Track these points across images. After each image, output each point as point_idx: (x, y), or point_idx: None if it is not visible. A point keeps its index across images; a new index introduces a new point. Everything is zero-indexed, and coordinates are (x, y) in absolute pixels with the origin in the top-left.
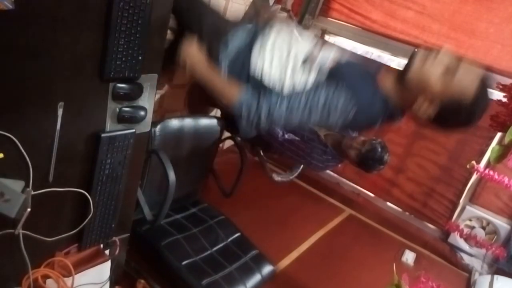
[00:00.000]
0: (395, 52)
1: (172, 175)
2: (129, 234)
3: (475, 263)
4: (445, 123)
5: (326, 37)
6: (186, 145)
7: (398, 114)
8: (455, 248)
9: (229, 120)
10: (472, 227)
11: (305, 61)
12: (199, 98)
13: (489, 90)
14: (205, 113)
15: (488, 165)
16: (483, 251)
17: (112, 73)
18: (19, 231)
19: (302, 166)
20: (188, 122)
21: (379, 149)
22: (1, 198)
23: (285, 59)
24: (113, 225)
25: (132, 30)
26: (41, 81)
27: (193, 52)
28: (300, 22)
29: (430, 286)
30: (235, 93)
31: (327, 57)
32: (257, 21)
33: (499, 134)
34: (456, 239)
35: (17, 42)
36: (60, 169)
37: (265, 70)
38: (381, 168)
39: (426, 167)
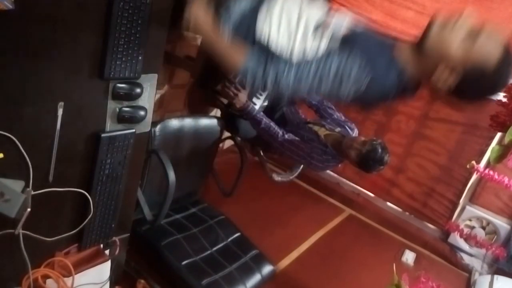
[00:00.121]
0: None
1: (172, 175)
2: (129, 234)
3: (475, 263)
4: (466, 94)
5: None
6: (186, 145)
7: (412, 88)
8: (455, 248)
9: (229, 120)
10: (472, 227)
11: (316, 28)
12: (199, 98)
13: None
14: (205, 113)
15: (488, 165)
16: (483, 251)
17: (112, 73)
18: (19, 231)
19: (302, 166)
20: (188, 122)
21: (380, 150)
22: (1, 198)
23: (295, 25)
24: (113, 225)
25: (132, 30)
26: (41, 81)
27: (199, 13)
28: None
29: (430, 286)
30: (240, 58)
31: (340, 24)
32: None
33: (499, 134)
34: (456, 239)
35: (17, 42)
36: (60, 169)
37: (272, 36)
38: (381, 168)
39: (426, 167)
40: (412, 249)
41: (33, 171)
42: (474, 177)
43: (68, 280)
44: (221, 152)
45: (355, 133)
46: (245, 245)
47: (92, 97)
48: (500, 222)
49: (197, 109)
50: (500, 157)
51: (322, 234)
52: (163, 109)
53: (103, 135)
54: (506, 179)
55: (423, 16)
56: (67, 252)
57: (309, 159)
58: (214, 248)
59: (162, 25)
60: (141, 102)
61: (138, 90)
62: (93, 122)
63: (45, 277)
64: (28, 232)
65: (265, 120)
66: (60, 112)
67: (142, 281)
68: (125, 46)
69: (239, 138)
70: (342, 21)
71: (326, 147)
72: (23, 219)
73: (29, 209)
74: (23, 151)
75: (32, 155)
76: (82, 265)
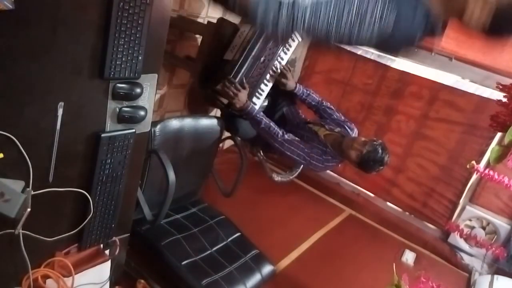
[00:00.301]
0: None
1: (172, 175)
2: (129, 234)
3: (475, 263)
4: (504, 31)
5: None
6: (186, 145)
7: (438, 28)
8: (455, 248)
9: (229, 120)
10: (472, 227)
11: None
12: (199, 98)
13: None
14: (205, 113)
15: (488, 165)
16: (483, 251)
17: (112, 73)
18: (19, 231)
19: (302, 166)
20: (188, 122)
21: (380, 150)
22: (1, 198)
23: None
24: (113, 225)
25: (132, 30)
26: (41, 81)
27: None
28: None
29: (430, 286)
30: None
31: None
32: None
33: (499, 134)
34: (456, 239)
35: (17, 42)
36: (60, 169)
37: None
38: (381, 169)
39: (426, 167)
40: (412, 249)
41: (33, 171)
42: (474, 177)
43: (68, 280)
44: (221, 152)
45: (355, 133)
46: (245, 245)
47: (92, 97)
48: (500, 222)
49: (197, 109)
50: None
51: (322, 234)
52: (163, 109)
53: (103, 135)
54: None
55: None
56: (67, 252)
57: (309, 159)
58: (214, 248)
59: (162, 25)
60: (141, 102)
61: (138, 90)
62: (93, 122)
63: (45, 277)
64: (28, 232)
65: (265, 120)
66: (60, 112)
67: (142, 281)
68: (125, 46)
69: (239, 138)
70: None
71: (326, 147)
72: (23, 219)
73: (29, 209)
74: (23, 151)
75: (32, 155)
76: (82, 265)
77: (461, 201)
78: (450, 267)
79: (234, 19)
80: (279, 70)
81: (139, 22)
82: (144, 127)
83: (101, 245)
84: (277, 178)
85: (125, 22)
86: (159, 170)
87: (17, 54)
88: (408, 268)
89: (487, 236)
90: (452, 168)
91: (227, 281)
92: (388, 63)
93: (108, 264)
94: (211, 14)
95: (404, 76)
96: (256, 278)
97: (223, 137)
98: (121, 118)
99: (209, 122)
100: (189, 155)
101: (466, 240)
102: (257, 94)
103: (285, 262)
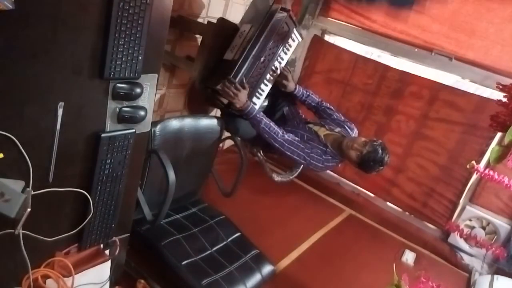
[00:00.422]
0: (395, 52)
1: (172, 175)
2: (129, 234)
3: (475, 263)
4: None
5: (326, 37)
6: (186, 145)
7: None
8: (455, 248)
9: (229, 120)
10: (472, 227)
11: None
12: (199, 98)
13: None
14: (205, 113)
15: (488, 165)
16: (483, 251)
17: (112, 73)
18: (19, 231)
19: (302, 166)
20: (188, 122)
21: (380, 151)
22: (1, 198)
23: None
24: (113, 225)
25: (132, 30)
26: (41, 81)
27: None
28: (300, 22)
29: (430, 286)
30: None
31: None
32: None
33: (499, 134)
34: (456, 239)
35: (17, 42)
36: (60, 169)
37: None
38: (381, 169)
39: (426, 167)
40: (412, 249)
41: (33, 171)
42: (474, 177)
43: (68, 280)
44: (221, 152)
45: (354, 133)
46: (245, 245)
47: (92, 97)
48: (500, 222)
49: (197, 109)
50: (500, 158)
51: (322, 234)
52: (163, 109)
53: (103, 135)
54: (506, 179)
55: (423, 16)
56: (67, 252)
57: (309, 159)
58: (214, 248)
59: (162, 25)
60: (141, 102)
61: (138, 90)
62: (93, 122)
63: (45, 277)
64: (28, 232)
65: (265, 120)
66: (60, 112)
67: (142, 281)
68: (125, 46)
69: (239, 138)
70: None
71: (326, 147)
72: (23, 219)
73: (29, 209)
74: (23, 151)
75: (32, 155)
76: (82, 265)
77: (461, 201)
78: (450, 267)
79: (234, 19)
80: (279, 70)
81: (139, 22)
82: (144, 127)
83: (101, 245)
84: (277, 178)
85: (125, 22)
86: (159, 170)
87: (17, 54)
88: (408, 268)
89: (487, 236)
90: (452, 168)
91: (227, 281)
92: (388, 63)
93: (108, 264)
94: (211, 14)
95: (404, 76)
96: (256, 278)
97: (223, 137)
98: (121, 118)
99: (209, 122)
100: (189, 155)
101: (466, 240)
102: (257, 94)
103: (285, 262)
